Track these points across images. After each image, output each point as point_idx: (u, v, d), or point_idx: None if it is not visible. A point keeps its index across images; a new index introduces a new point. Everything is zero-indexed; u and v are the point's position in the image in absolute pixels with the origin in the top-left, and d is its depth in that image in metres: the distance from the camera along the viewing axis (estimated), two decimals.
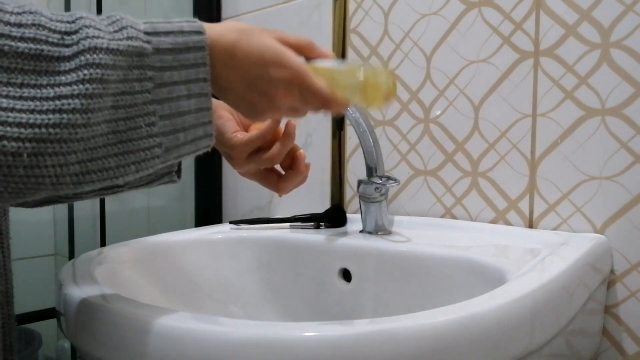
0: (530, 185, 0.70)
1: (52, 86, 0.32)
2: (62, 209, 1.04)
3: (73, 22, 0.34)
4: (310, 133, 0.94)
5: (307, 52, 0.46)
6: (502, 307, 0.39)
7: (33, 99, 0.31)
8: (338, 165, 0.90)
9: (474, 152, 0.75)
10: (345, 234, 0.76)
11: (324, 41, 0.91)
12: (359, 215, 0.77)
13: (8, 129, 0.30)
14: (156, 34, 0.37)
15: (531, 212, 0.71)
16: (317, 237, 0.74)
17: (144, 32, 0.36)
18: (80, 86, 0.32)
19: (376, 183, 0.72)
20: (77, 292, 0.46)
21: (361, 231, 0.76)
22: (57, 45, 0.32)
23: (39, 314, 0.83)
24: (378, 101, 0.46)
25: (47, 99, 0.32)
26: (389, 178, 0.71)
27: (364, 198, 0.74)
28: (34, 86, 0.32)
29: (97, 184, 0.35)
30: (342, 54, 0.89)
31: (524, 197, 0.71)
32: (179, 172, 0.49)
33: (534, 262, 0.53)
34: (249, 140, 0.55)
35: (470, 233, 0.70)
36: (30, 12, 0.32)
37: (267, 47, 0.42)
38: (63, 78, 0.32)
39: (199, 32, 0.39)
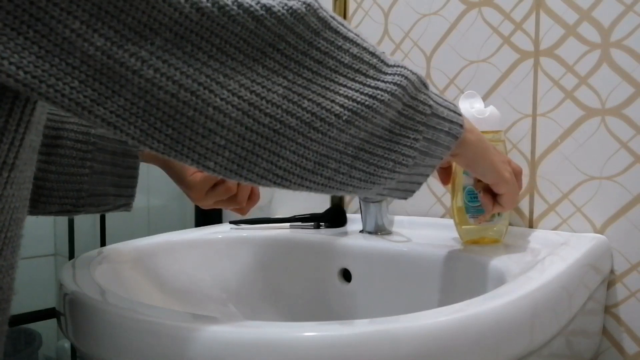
0: (530, 185, 0.70)
1: (375, 79, 0.41)
2: None
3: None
4: None
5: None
6: (502, 307, 0.39)
7: (360, 82, 0.40)
8: None
9: None
10: (345, 234, 0.76)
11: None
12: (359, 215, 0.77)
13: (338, 97, 0.38)
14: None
15: (531, 212, 0.71)
16: (317, 237, 0.74)
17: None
18: (392, 86, 0.41)
19: None
20: (77, 292, 0.46)
21: (361, 231, 0.76)
22: (385, 57, 0.42)
23: (39, 314, 0.83)
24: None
25: (369, 86, 0.40)
26: None
27: (364, 198, 0.74)
28: (364, 74, 0.40)
29: (363, 164, 0.42)
30: None
31: (524, 197, 0.71)
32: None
33: (534, 262, 0.53)
34: (204, 178, 0.62)
35: None
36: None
37: None
38: (383, 76, 0.41)
39: (458, 113, 0.49)
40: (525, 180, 0.70)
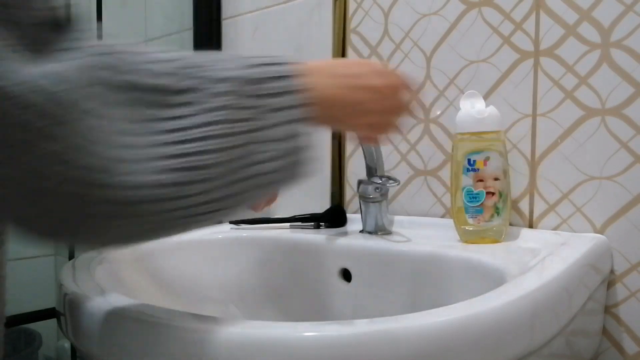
0: (530, 185, 0.70)
1: (193, 115, 0.32)
2: None
3: None
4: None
5: None
6: (502, 307, 0.39)
7: (179, 129, 0.31)
8: (338, 165, 0.90)
9: None
10: (345, 234, 0.76)
11: (324, 41, 0.91)
12: (359, 215, 0.77)
13: (159, 162, 0.30)
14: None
15: (531, 212, 0.71)
16: (317, 237, 0.74)
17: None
18: (222, 112, 0.33)
19: (376, 183, 0.72)
20: (77, 292, 0.46)
21: (361, 231, 0.76)
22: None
23: (39, 314, 0.83)
24: None
25: (193, 127, 0.32)
26: (389, 178, 0.71)
27: (364, 198, 0.74)
28: (178, 117, 0.32)
29: (231, 209, 0.35)
30: (342, 54, 0.89)
31: (524, 197, 0.71)
32: None
33: (534, 262, 0.53)
34: None
35: None
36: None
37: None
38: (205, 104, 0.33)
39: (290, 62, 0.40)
40: (525, 180, 0.70)
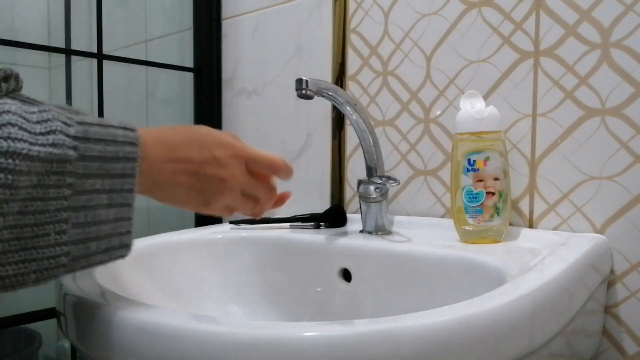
0: (530, 185, 0.70)
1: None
2: None
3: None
4: (310, 133, 0.94)
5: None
6: (502, 307, 0.39)
7: None
8: (338, 165, 0.90)
9: None
10: (345, 234, 0.76)
11: (324, 41, 0.91)
12: (359, 215, 0.77)
13: None
14: (86, 139, 0.35)
15: (531, 212, 0.71)
16: (317, 237, 0.74)
17: (73, 137, 0.34)
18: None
19: (376, 183, 0.72)
20: (77, 292, 0.46)
21: (361, 231, 0.76)
22: None
23: (39, 314, 0.83)
24: None
25: None
26: (389, 178, 0.71)
27: (364, 198, 0.74)
28: None
29: None
30: (342, 54, 0.89)
31: (524, 197, 0.71)
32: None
33: (534, 262, 0.53)
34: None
35: None
36: None
37: (205, 134, 0.45)
38: None
39: (133, 144, 0.38)
40: (525, 180, 0.70)
